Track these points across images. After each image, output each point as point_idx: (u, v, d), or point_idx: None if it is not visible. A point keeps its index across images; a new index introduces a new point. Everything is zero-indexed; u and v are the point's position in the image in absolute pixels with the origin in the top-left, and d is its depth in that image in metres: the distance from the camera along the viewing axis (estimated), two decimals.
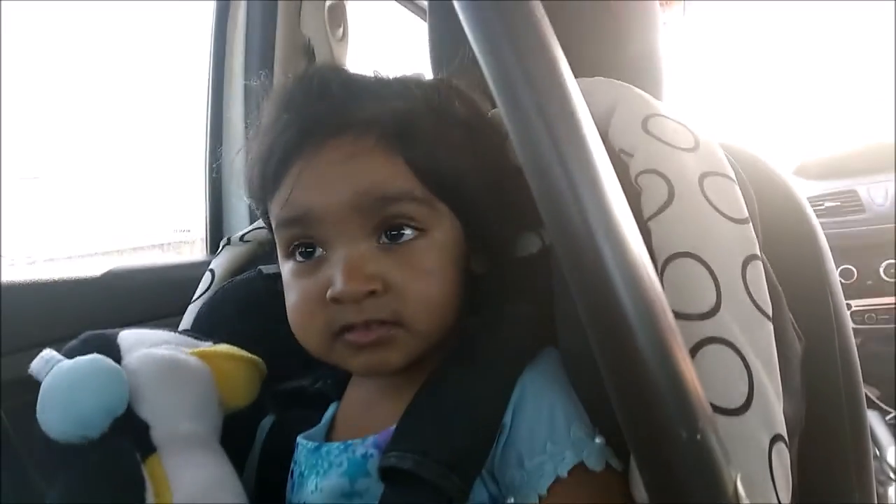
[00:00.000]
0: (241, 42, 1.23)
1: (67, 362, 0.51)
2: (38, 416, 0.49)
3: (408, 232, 0.54)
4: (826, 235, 0.70)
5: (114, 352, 0.55)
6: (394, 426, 0.52)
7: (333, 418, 0.63)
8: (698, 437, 0.28)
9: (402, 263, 0.53)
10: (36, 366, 0.52)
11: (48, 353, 0.53)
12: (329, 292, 0.52)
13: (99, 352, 0.53)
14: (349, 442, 0.55)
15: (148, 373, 0.54)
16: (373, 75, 0.60)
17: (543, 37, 0.29)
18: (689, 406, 0.28)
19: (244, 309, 0.71)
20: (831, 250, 0.71)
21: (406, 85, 0.58)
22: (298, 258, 0.56)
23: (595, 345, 0.28)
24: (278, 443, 0.63)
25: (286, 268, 0.58)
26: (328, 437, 0.61)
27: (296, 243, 0.56)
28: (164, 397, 0.54)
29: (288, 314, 0.57)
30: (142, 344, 0.57)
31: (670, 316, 0.29)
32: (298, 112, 0.56)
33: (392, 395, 0.57)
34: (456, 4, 0.30)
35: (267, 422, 0.66)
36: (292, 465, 0.59)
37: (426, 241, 0.55)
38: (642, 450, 0.28)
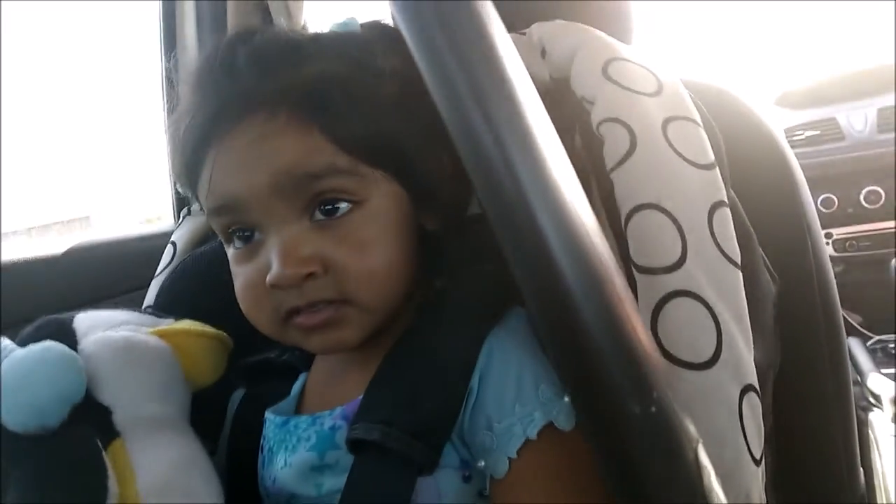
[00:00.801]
0: (191, 5, 1.17)
1: (20, 351, 0.49)
2: None
3: (342, 205, 0.51)
4: (806, 165, 0.69)
5: (69, 337, 0.53)
6: (361, 396, 0.51)
7: (303, 390, 0.61)
8: (653, 409, 0.26)
9: (339, 239, 0.50)
10: None
11: (1, 341, 0.51)
12: (267, 278, 0.50)
13: (53, 338, 0.51)
14: (317, 415, 0.54)
15: (105, 356, 0.52)
16: (287, 37, 0.54)
17: None
18: (642, 378, 0.26)
19: (206, 282, 0.69)
20: (812, 180, 0.69)
21: (321, 44, 0.53)
22: (237, 244, 0.54)
23: (537, 319, 0.26)
24: (248, 417, 0.62)
25: (229, 253, 0.56)
26: (298, 408, 0.60)
27: (231, 230, 0.54)
28: (124, 380, 0.52)
29: (237, 299, 0.55)
30: (98, 327, 0.55)
31: (620, 283, 0.27)
32: (207, 94, 0.52)
33: (359, 365, 0.56)
34: None
35: (237, 395, 0.65)
36: (262, 440, 0.59)
37: (362, 213, 0.51)
38: (593, 427, 0.27)
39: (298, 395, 0.61)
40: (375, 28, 0.57)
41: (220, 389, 0.62)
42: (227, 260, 0.58)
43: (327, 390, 0.59)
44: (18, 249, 0.90)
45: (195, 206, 0.83)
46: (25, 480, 0.47)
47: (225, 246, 0.56)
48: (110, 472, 0.47)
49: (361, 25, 0.57)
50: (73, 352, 0.50)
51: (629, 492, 0.27)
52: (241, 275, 0.54)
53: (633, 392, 0.26)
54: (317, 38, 0.55)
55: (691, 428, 0.29)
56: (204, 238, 0.79)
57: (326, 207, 0.50)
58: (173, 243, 0.79)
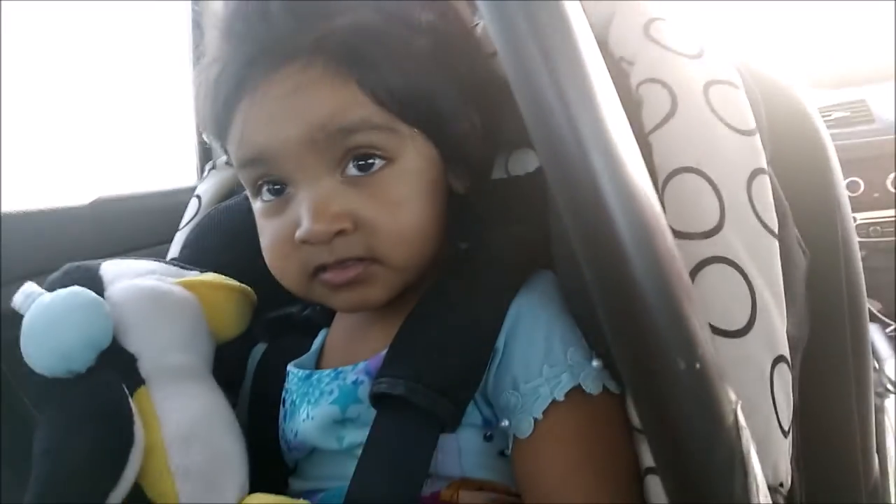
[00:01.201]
0: None
1: (48, 296, 0.50)
2: (22, 350, 0.48)
3: (375, 162, 0.50)
4: (834, 147, 0.67)
5: (96, 283, 0.53)
6: (384, 351, 0.51)
7: (323, 345, 0.62)
8: (697, 366, 0.26)
9: (370, 196, 0.50)
10: (18, 299, 0.51)
11: (29, 286, 0.52)
12: (297, 234, 0.49)
13: (81, 284, 0.51)
14: (339, 369, 0.55)
15: (132, 304, 0.53)
16: None
17: None
18: (688, 335, 0.26)
19: (230, 236, 0.69)
20: (840, 163, 0.68)
21: None
22: (266, 197, 0.53)
23: (588, 271, 0.26)
24: (269, 371, 0.62)
25: (256, 207, 0.55)
26: (318, 363, 0.60)
27: (260, 182, 0.53)
28: (150, 328, 0.52)
29: (263, 254, 0.54)
30: (125, 275, 0.55)
31: (669, 239, 0.26)
32: (240, 41, 0.51)
33: (381, 321, 0.56)
34: None
35: (258, 350, 0.66)
36: (284, 393, 0.59)
37: (394, 170, 0.51)
38: (638, 380, 0.27)
39: (319, 349, 0.61)
40: None
41: (241, 343, 0.62)
42: (253, 214, 0.58)
43: (348, 346, 0.59)
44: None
45: (220, 160, 0.82)
46: (53, 423, 0.47)
47: (251, 200, 0.56)
48: (136, 419, 0.47)
49: None
50: (99, 298, 0.51)
51: (671, 448, 0.27)
52: (268, 229, 0.53)
53: (679, 347, 0.25)
54: None
55: (730, 389, 0.29)
56: (229, 192, 0.78)
57: (359, 163, 0.50)
58: (198, 197, 0.79)
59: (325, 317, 0.64)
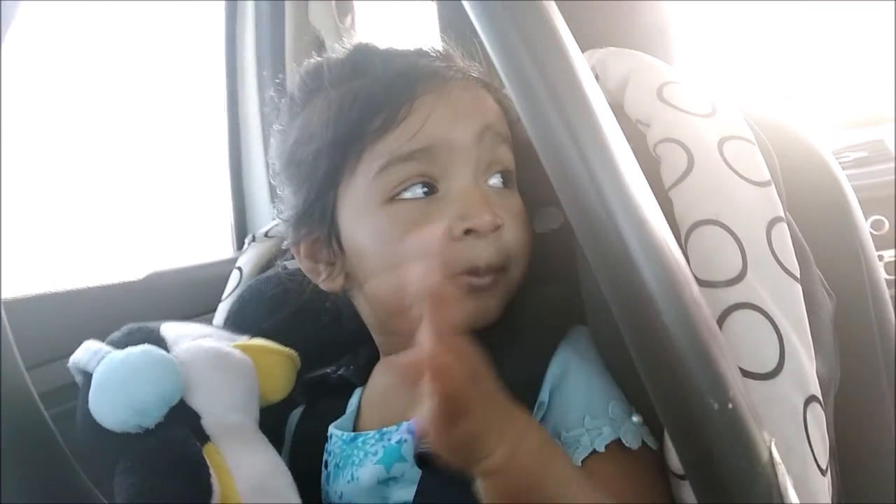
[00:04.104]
0: (251, 39, 1.24)
1: (120, 353, 0.51)
2: (91, 406, 0.49)
3: (506, 179, 0.58)
4: (855, 187, 0.69)
5: (160, 343, 0.55)
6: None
7: (359, 405, 0.63)
8: (729, 405, 0.28)
9: (505, 206, 0.57)
10: (82, 357, 0.52)
11: (93, 344, 0.53)
12: (466, 223, 0.53)
13: (145, 343, 0.53)
14: (384, 430, 0.56)
15: (198, 364, 0.55)
16: None
17: (550, 18, 0.29)
18: (719, 376, 0.28)
19: (271, 305, 0.72)
20: (862, 202, 0.69)
21: None
22: (415, 192, 0.55)
23: (621, 323, 0.28)
24: (308, 433, 0.64)
25: (385, 213, 0.55)
26: (357, 424, 0.62)
27: (406, 184, 0.55)
28: (214, 388, 0.54)
29: (392, 259, 0.55)
30: (186, 336, 0.57)
31: (695, 288, 0.29)
32: (406, 59, 0.59)
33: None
34: None
35: (295, 414, 0.67)
36: (325, 455, 0.60)
37: (514, 192, 0.59)
38: (675, 422, 0.29)
39: (356, 410, 0.63)
40: None
41: (281, 407, 0.64)
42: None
43: (387, 405, 0.60)
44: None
45: (259, 233, 0.87)
46: (131, 477, 0.48)
47: (377, 208, 0.56)
48: (212, 471, 0.48)
49: None
50: (171, 356, 0.52)
51: (710, 487, 0.29)
52: (409, 227, 0.54)
53: (711, 389, 0.27)
54: None
55: (764, 428, 0.31)
56: (268, 263, 0.82)
57: (498, 175, 0.58)
58: (239, 268, 0.82)
59: (360, 376, 0.65)
